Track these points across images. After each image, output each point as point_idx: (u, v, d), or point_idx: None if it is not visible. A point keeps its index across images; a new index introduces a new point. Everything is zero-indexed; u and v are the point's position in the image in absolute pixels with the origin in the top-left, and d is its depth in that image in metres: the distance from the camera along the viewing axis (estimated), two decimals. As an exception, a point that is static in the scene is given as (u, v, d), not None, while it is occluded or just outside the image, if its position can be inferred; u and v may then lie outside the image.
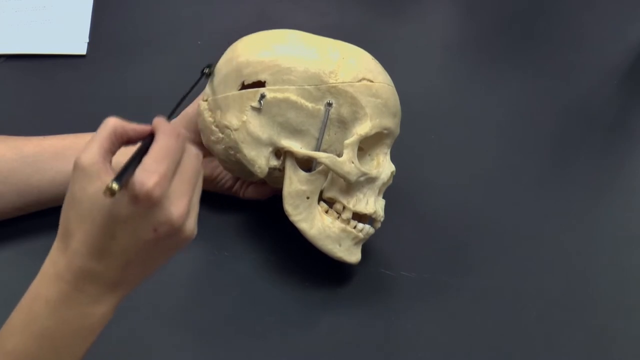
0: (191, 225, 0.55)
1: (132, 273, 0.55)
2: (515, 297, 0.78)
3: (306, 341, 0.73)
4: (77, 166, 0.53)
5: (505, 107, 0.98)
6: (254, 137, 0.71)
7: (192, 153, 0.56)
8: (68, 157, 0.74)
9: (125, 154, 0.54)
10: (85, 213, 0.52)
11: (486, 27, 1.10)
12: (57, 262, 0.54)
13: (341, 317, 0.75)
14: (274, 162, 0.73)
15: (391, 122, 0.74)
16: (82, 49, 0.97)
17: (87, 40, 0.98)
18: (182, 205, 0.53)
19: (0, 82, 0.93)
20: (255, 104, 0.71)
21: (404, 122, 0.76)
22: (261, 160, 0.72)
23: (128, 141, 0.55)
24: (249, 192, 0.80)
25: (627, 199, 0.90)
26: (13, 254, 0.75)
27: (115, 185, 0.49)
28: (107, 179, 0.50)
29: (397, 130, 0.76)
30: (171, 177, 0.52)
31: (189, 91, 0.68)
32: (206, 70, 0.73)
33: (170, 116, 0.61)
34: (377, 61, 0.75)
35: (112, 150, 0.54)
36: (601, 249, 0.84)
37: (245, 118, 0.71)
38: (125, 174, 0.51)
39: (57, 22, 1.00)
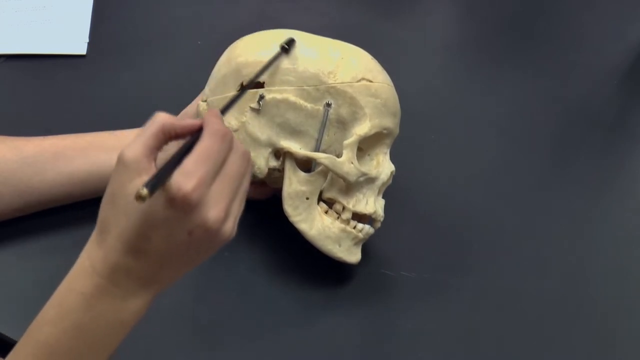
0: (229, 228, 0.54)
1: (167, 272, 0.55)
2: (515, 297, 0.78)
3: (306, 341, 0.73)
4: (119, 160, 0.52)
5: (505, 107, 0.98)
6: (253, 137, 0.71)
7: (239, 153, 0.54)
8: (69, 157, 0.75)
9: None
10: (122, 210, 0.52)
11: (486, 27, 1.10)
12: (94, 255, 0.53)
13: (341, 317, 0.75)
14: (274, 163, 0.73)
15: (391, 122, 0.74)
16: (82, 49, 0.97)
17: (87, 40, 0.98)
18: (219, 209, 0.52)
19: (0, 82, 0.93)
20: (254, 104, 0.71)
21: (404, 122, 0.76)
22: (260, 161, 0.72)
23: (176, 137, 0.54)
24: (249, 192, 0.80)
25: (627, 199, 0.90)
26: (13, 255, 0.75)
27: (145, 192, 0.48)
28: (147, 179, 0.49)
29: (397, 130, 0.76)
30: (211, 181, 0.51)
31: (264, 70, 0.66)
32: (286, 45, 0.70)
33: (224, 110, 0.59)
34: (376, 61, 0.75)
35: (157, 147, 0.53)
36: (601, 249, 0.84)
37: (244, 119, 0.71)
38: (161, 178, 0.49)
39: (57, 22, 1.00)
